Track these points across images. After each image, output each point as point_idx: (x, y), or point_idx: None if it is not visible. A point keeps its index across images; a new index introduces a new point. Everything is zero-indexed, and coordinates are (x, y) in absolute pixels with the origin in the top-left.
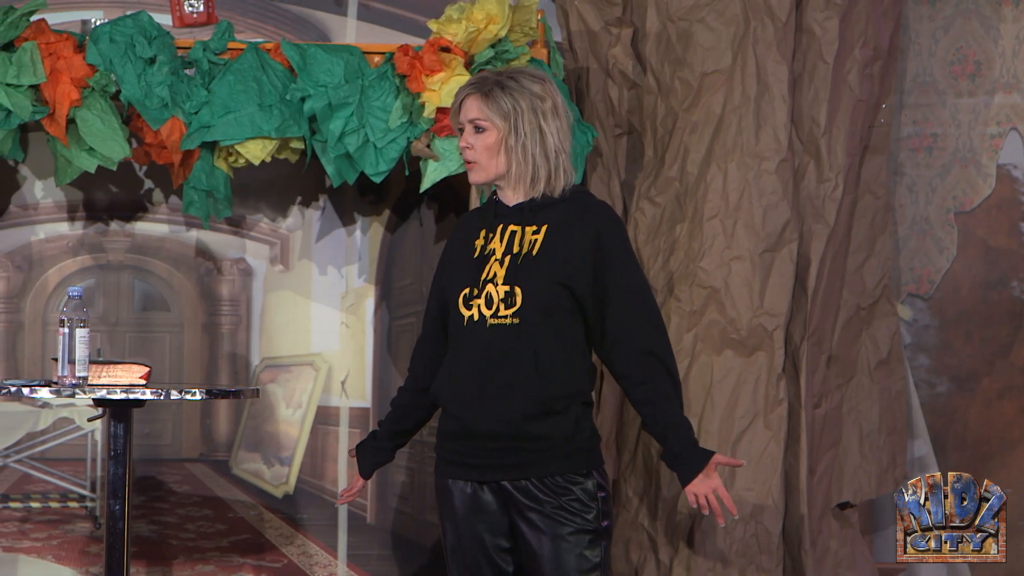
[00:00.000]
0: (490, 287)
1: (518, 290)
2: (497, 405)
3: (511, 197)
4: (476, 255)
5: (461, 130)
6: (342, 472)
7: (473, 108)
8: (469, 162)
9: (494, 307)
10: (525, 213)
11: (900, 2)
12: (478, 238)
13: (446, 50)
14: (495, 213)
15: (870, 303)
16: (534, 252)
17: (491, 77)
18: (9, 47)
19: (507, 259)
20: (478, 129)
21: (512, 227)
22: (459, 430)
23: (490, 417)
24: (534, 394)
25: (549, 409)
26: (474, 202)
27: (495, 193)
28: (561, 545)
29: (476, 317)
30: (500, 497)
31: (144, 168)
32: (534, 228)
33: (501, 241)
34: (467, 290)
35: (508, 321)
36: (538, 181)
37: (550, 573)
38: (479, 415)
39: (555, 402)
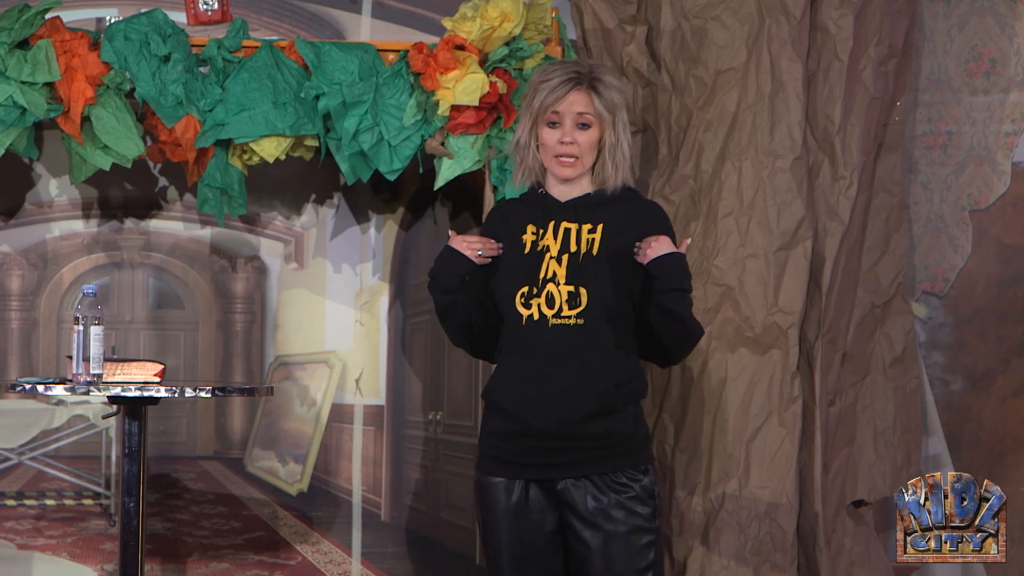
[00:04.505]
0: (551, 286)
1: (583, 291)
2: (559, 405)
3: (567, 192)
4: (527, 251)
5: (553, 123)
6: (356, 470)
7: (580, 102)
8: (570, 156)
9: (556, 307)
10: (581, 211)
11: (915, 0)
12: (525, 233)
13: (460, 48)
14: (544, 208)
15: (884, 301)
16: (594, 252)
17: (584, 71)
18: (24, 45)
19: (565, 258)
20: (584, 125)
21: (566, 224)
22: (514, 430)
23: (551, 417)
24: (597, 394)
25: (609, 408)
26: (488, 200)
27: (540, 187)
28: (616, 544)
29: (536, 317)
30: (551, 496)
31: (158, 166)
32: (590, 226)
33: (555, 238)
34: (525, 289)
35: (572, 321)
36: (608, 179)
37: (602, 572)
38: (539, 415)
39: (615, 401)
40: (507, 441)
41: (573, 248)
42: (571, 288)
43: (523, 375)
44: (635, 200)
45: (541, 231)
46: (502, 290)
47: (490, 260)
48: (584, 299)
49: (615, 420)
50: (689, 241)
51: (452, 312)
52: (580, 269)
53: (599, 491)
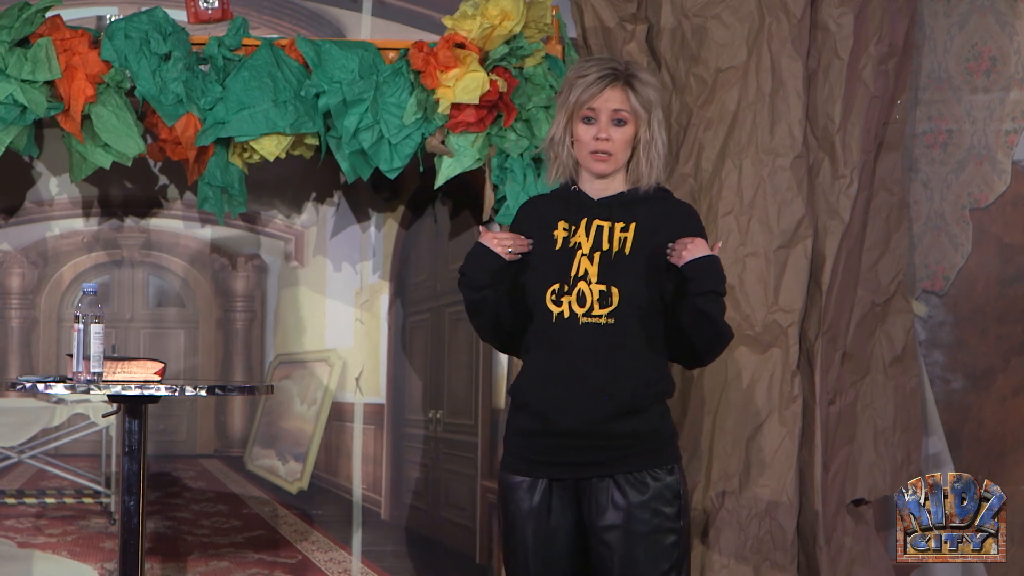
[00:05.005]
0: (582, 284)
1: (615, 290)
2: (587, 404)
3: (601, 190)
4: (558, 248)
5: (589, 119)
6: (356, 468)
7: (617, 98)
8: (605, 152)
9: (587, 305)
10: (614, 209)
11: None
12: (556, 229)
13: (461, 46)
14: (578, 205)
15: (885, 300)
16: (626, 251)
17: (621, 68)
18: (24, 43)
19: (596, 256)
20: (620, 121)
21: (598, 222)
22: (539, 428)
23: (578, 416)
24: (625, 393)
25: (637, 407)
26: (488, 199)
27: (573, 183)
28: (640, 545)
29: (566, 314)
30: (574, 496)
31: (159, 164)
32: (623, 225)
33: (587, 235)
34: (556, 286)
35: (603, 320)
36: (642, 177)
37: (624, 573)
38: (566, 414)
39: (642, 400)
40: (532, 439)
41: (605, 246)
42: (603, 287)
43: (551, 373)
44: (668, 200)
45: (573, 228)
46: (532, 286)
47: (520, 256)
48: (615, 298)
49: (642, 419)
50: (721, 244)
51: (482, 308)
52: (612, 268)
53: (623, 491)
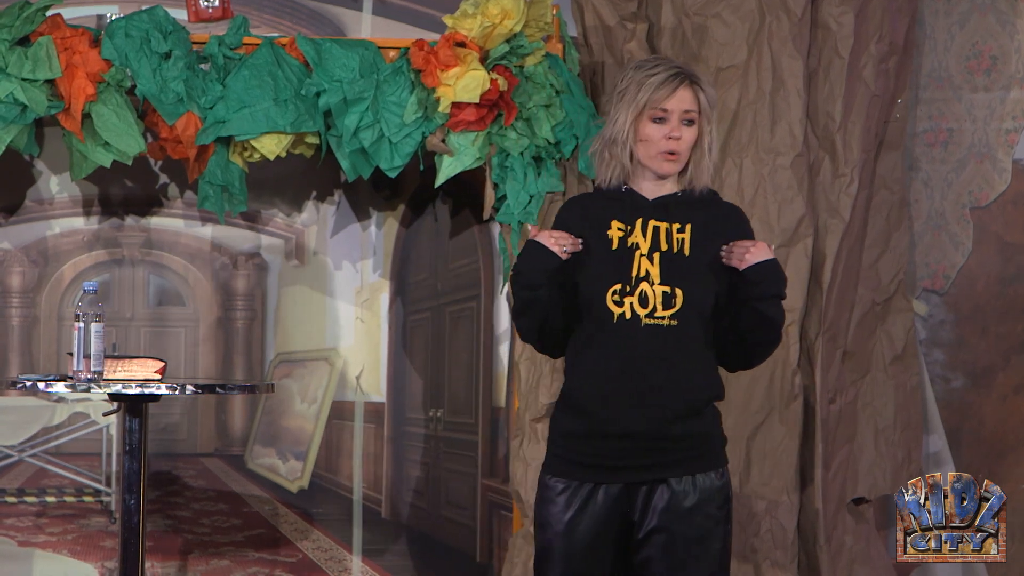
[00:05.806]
0: (644, 285)
1: (679, 291)
2: (647, 405)
3: (655, 190)
4: (615, 247)
5: (660, 119)
6: (357, 467)
7: (688, 98)
8: (673, 152)
9: (650, 306)
10: (671, 210)
11: None
12: (610, 228)
13: (461, 45)
14: (632, 205)
15: (885, 298)
16: (685, 252)
17: (684, 69)
18: (25, 42)
19: (656, 256)
20: (689, 122)
21: (654, 222)
22: (592, 430)
23: (636, 417)
24: (686, 395)
25: (694, 410)
26: (489, 198)
27: (624, 184)
28: (689, 549)
29: (628, 315)
30: (621, 499)
31: (159, 163)
32: (679, 226)
33: (644, 236)
34: (617, 286)
35: (666, 322)
36: (700, 177)
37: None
38: (624, 415)
39: (700, 403)
40: (582, 442)
41: (664, 247)
42: (666, 288)
43: (611, 374)
44: (718, 202)
45: (629, 228)
46: (589, 286)
47: (570, 256)
48: (679, 300)
49: (698, 422)
50: (773, 247)
51: (534, 308)
52: (675, 269)
53: (674, 494)
